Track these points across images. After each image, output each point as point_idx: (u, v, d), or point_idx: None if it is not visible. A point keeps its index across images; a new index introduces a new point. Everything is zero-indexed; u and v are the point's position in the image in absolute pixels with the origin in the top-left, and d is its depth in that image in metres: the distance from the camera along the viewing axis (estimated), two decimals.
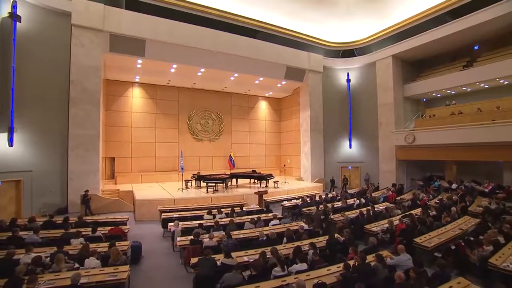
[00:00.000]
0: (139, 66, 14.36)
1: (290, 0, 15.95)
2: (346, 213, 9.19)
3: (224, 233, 6.75)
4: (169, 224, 7.98)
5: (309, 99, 17.92)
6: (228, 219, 8.29)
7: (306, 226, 7.72)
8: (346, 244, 6.21)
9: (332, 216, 9.07)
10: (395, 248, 5.86)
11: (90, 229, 7.04)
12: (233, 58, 15.00)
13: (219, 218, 8.53)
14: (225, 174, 15.10)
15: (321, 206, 9.80)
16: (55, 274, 4.51)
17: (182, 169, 14.49)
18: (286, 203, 11.45)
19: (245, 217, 9.02)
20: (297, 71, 17.44)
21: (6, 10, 9.75)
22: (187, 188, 13.92)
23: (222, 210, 9.42)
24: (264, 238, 6.57)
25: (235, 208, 9.77)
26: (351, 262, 4.96)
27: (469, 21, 13.14)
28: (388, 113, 16.89)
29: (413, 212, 9.18)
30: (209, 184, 13.11)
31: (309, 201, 11.32)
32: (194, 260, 5.28)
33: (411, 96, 17.33)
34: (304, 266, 5.00)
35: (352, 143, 18.79)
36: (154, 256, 6.98)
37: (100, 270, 4.75)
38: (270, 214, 9.29)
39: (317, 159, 17.96)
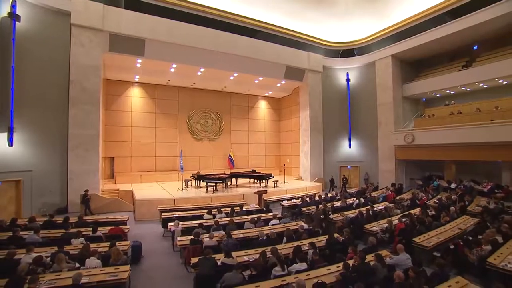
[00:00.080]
0: (138, 65, 14.36)
1: (289, 0, 15.94)
2: (346, 212, 9.22)
3: (224, 232, 6.78)
4: (169, 224, 8.00)
5: (309, 98, 17.94)
6: (228, 218, 8.32)
7: (306, 226, 7.75)
8: (345, 244, 6.24)
9: (331, 216, 9.10)
10: (394, 247, 5.88)
11: (90, 229, 7.05)
12: (233, 58, 15.00)
13: (219, 218, 8.55)
14: (224, 174, 15.12)
15: (320, 205, 9.83)
16: (56, 274, 4.53)
17: (182, 168, 14.50)
18: (285, 203, 11.48)
19: (245, 216, 9.05)
20: (297, 70, 17.45)
21: (5, 10, 9.73)
22: (187, 187, 13.94)
23: (222, 209, 9.44)
24: (264, 238, 6.60)
25: (235, 208, 9.78)
26: (351, 262, 4.99)
27: (469, 21, 13.17)
28: (387, 112, 16.93)
29: (412, 211, 9.21)
30: (209, 183, 13.13)
31: (308, 201, 11.36)
32: (194, 260, 5.30)
33: (410, 96, 17.36)
34: (304, 265, 5.02)
35: (352, 142, 18.82)
36: (154, 255, 7.01)
37: (101, 270, 4.76)
38: (270, 214, 9.32)
39: (316, 158, 18.00)
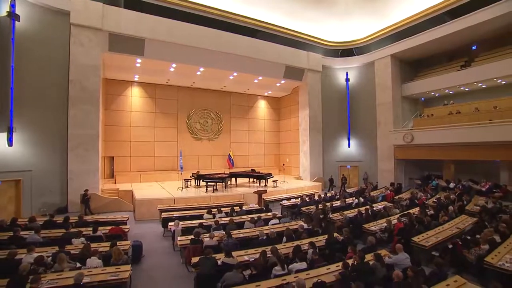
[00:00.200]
0: (138, 65, 14.36)
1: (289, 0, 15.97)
2: (345, 212, 9.27)
3: (224, 232, 6.81)
4: (169, 223, 8.02)
5: (308, 98, 17.97)
6: (228, 218, 8.35)
7: (305, 225, 7.79)
8: (345, 243, 6.29)
9: (331, 215, 9.14)
10: (393, 247, 5.93)
11: (90, 228, 7.07)
12: (232, 58, 15.01)
13: (219, 218, 8.58)
14: (224, 173, 15.15)
15: (320, 205, 9.87)
16: (58, 273, 4.56)
17: (182, 168, 14.51)
18: (285, 202, 11.52)
19: (245, 216, 9.08)
20: (296, 70, 17.48)
21: (4, 9, 9.70)
22: (187, 187, 13.96)
23: (221, 209, 9.47)
24: (264, 238, 6.63)
25: (234, 208, 9.81)
26: (350, 261, 5.03)
27: (467, 21, 13.21)
28: (386, 112, 16.98)
29: (411, 211, 9.27)
30: (209, 183, 13.16)
31: (308, 200, 11.40)
32: (195, 259, 5.33)
33: (409, 96, 17.42)
34: (303, 265, 5.06)
35: (351, 142, 18.88)
36: (154, 255, 7.04)
37: (102, 270, 4.79)
38: (270, 214, 9.35)
39: (316, 158, 18.04)
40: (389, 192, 13.02)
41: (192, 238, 6.31)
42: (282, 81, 18.15)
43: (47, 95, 10.85)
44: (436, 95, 17.12)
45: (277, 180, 15.15)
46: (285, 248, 6.06)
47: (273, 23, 17.26)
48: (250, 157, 20.52)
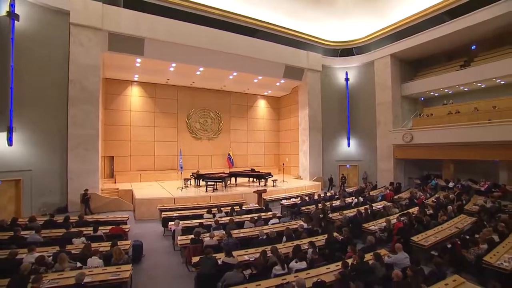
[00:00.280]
0: (138, 65, 14.37)
1: None
2: (345, 212, 9.30)
3: (224, 232, 6.83)
4: (170, 223, 8.05)
5: (308, 97, 17.99)
6: (228, 218, 8.36)
7: (305, 225, 7.81)
8: (344, 243, 6.32)
9: (330, 215, 9.17)
10: (392, 246, 5.96)
11: (91, 228, 7.09)
12: (232, 57, 15.01)
13: (219, 217, 8.60)
14: (224, 173, 15.17)
15: (319, 205, 9.90)
16: (59, 273, 4.57)
17: (181, 168, 14.53)
18: (285, 202, 11.55)
19: (245, 216, 9.10)
20: (296, 70, 17.49)
21: (4, 9, 9.68)
22: (186, 187, 13.97)
23: (221, 209, 9.49)
24: (264, 237, 6.65)
25: (234, 207, 9.83)
26: (350, 261, 5.05)
27: (467, 21, 13.24)
28: (386, 112, 17.01)
29: (410, 210, 9.30)
30: (208, 183, 13.18)
31: (307, 200, 11.44)
32: (195, 259, 5.35)
33: (409, 95, 17.44)
34: (303, 264, 5.09)
35: (351, 141, 18.91)
36: (155, 255, 7.06)
37: (103, 270, 4.81)
38: (270, 213, 9.37)
39: (315, 157, 18.07)
40: (388, 191, 13.06)
41: (192, 238, 6.33)
42: (282, 81, 18.16)
43: (47, 94, 10.84)
44: (436, 94, 17.15)
45: (276, 180, 15.15)
46: (285, 247, 6.08)
47: (272, 22, 17.26)
48: (249, 157, 20.54)
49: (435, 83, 15.81)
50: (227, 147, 19.34)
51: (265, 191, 12.11)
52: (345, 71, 19.15)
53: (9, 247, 5.47)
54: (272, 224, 8.15)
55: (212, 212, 9.22)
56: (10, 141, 9.60)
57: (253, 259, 5.46)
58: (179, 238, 6.73)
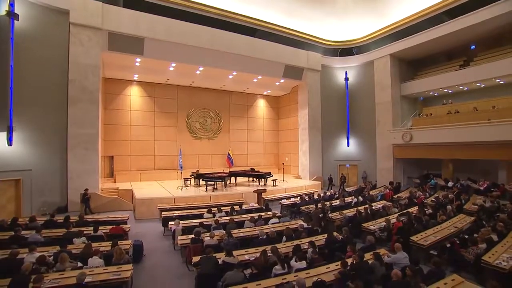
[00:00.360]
0: (137, 64, 14.37)
1: None
2: (344, 211, 9.33)
3: (224, 231, 6.86)
4: (170, 222, 8.06)
5: (307, 97, 18.01)
6: (228, 217, 8.38)
7: (305, 225, 7.84)
8: (344, 242, 6.34)
9: (330, 215, 9.20)
10: (392, 246, 5.99)
11: (91, 228, 7.10)
12: (232, 57, 15.01)
13: (219, 217, 8.62)
14: (224, 173, 15.19)
15: (319, 204, 9.92)
16: (60, 273, 4.59)
17: (181, 167, 14.53)
18: (284, 202, 11.57)
19: (245, 215, 9.13)
20: (296, 69, 17.50)
21: (3, 9, 9.65)
22: (186, 186, 13.98)
23: (221, 208, 9.51)
24: (264, 237, 6.68)
25: (234, 207, 9.85)
26: (349, 260, 5.08)
27: (466, 21, 13.26)
28: (385, 111, 17.04)
29: (409, 210, 9.33)
30: (208, 182, 13.19)
31: (307, 200, 11.46)
32: (195, 258, 5.36)
33: (408, 95, 17.47)
34: (303, 264, 5.11)
35: (350, 141, 18.94)
36: (155, 254, 7.08)
37: (103, 269, 4.83)
38: (270, 213, 9.39)
39: (315, 157, 18.10)
40: (388, 191, 13.10)
41: (192, 238, 6.36)
42: (282, 80, 18.17)
43: (47, 94, 10.84)
44: (435, 94, 17.19)
45: (276, 179, 15.18)
46: (285, 247, 6.11)
47: (272, 22, 17.25)
48: (249, 156, 20.56)
49: (435, 83, 15.84)
50: (227, 147, 19.34)
51: (265, 190, 12.13)
52: (345, 70, 19.17)
53: (10, 247, 5.48)
54: (272, 223, 8.17)
55: (212, 211, 9.24)
56: (10, 141, 9.61)
57: (253, 258, 5.48)
58: (179, 237, 6.75)
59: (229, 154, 18.88)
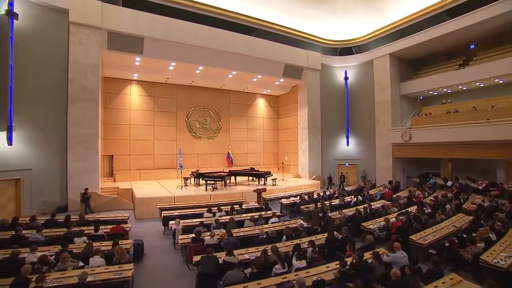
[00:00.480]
0: (137, 63, 14.36)
1: None
2: (344, 210, 9.36)
3: (224, 231, 6.89)
4: (170, 222, 8.09)
5: (307, 96, 18.02)
6: (228, 217, 8.41)
7: (305, 224, 7.88)
8: (344, 242, 6.38)
9: (330, 214, 9.24)
10: (391, 245, 6.03)
11: (92, 227, 7.11)
12: (231, 56, 15.01)
13: (219, 216, 8.65)
14: (223, 172, 15.21)
15: (319, 203, 9.96)
16: (61, 272, 4.62)
17: (181, 166, 14.55)
18: (284, 201, 11.61)
19: (244, 215, 9.16)
20: (295, 68, 17.50)
21: (3, 8, 9.63)
22: (186, 185, 14.00)
23: (221, 208, 9.54)
24: (264, 236, 6.71)
25: (234, 206, 9.88)
26: (349, 260, 5.12)
27: (466, 20, 13.28)
28: (385, 111, 17.07)
29: (409, 209, 9.38)
30: (208, 181, 13.22)
31: (307, 199, 11.50)
32: (196, 258, 5.39)
33: (408, 94, 17.51)
34: (303, 263, 5.15)
35: (350, 140, 18.98)
36: (156, 254, 7.10)
37: (105, 269, 4.85)
38: (269, 212, 9.43)
39: (314, 156, 18.14)
40: (387, 190, 13.16)
41: (193, 237, 6.39)
42: (281, 80, 18.18)
43: (46, 94, 10.83)
44: (434, 93, 17.22)
45: (276, 179, 15.23)
46: (285, 246, 6.14)
47: (272, 21, 17.23)
48: (249, 155, 20.59)
49: (434, 82, 15.87)
50: (227, 146, 19.38)
51: (264, 190, 12.16)
52: (344, 70, 19.18)
53: (11, 247, 5.50)
54: (272, 223, 8.20)
55: (212, 211, 9.26)
56: (10, 140, 9.60)
57: (254, 258, 5.52)
58: (180, 237, 6.77)
59: (228, 153, 18.94)
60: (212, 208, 9.51)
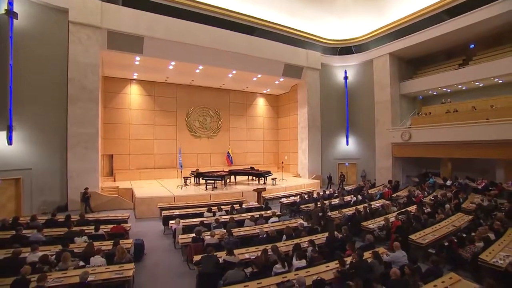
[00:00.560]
0: (137, 63, 14.35)
1: None
2: (343, 210, 9.39)
3: (225, 230, 6.90)
4: (170, 221, 8.11)
5: (307, 96, 18.04)
6: (228, 216, 8.43)
7: (305, 224, 7.90)
8: (344, 241, 6.41)
9: (329, 213, 9.26)
10: (391, 245, 6.06)
11: (92, 227, 7.12)
12: (231, 55, 15.01)
13: (219, 216, 8.67)
14: (223, 171, 15.23)
15: (318, 203, 9.98)
16: (62, 272, 4.63)
17: (181, 166, 14.56)
18: (284, 200, 11.63)
19: (245, 214, 9.18)
20: (295, 68, 17.51)
21: (2, 7, 9.61)
22: (186, 185, 14.01)
23: (221, 207, 9.56)
24: (264, 236, 6.73)
25: (234, 205, 9.90)
26: (348, 259, 5.14)
27: (465, 20, 13.29)
28: (384, 110, 17.09)
29: (408, 209, 9.40)
30: (208, 181, 13.23)
31: (307, 198, 11.52)
32: (196, 257, 5.41)
33: (407, 94, 17.52)
34: (303, 263, 5.17)
35: (349, 140, 19.00)
36: (156, 253, 7.12)
37: (106, 268, 4.87)
38: (269, 212, 9.45)
39: (314, 155, 18.16)
40: (387, 189, 13.17)
41: (193, 236, 6.41)
42: (281, 79, 18.19)
43: (46, 93, 10.82)
44: (434, 93, 17.23)
45: (276, 178, 15.24)
46: (285, 246, 6.16)
47: (272, 21, 17.21)
48: (248, 155, 20.61)
49: (434, 82, 15.88)
50: (226, 145, 19.40)
51: (264, 189, 12.18)
52: (344, 69, 19.19)
53: (12, 246, 5.51)
54: (272, 222, 8.23)
55: (212, 210, 9.28)
56: (10, 140, 9.60)
57: (254, 257, 5.54)
58: (180, 236, 6.79)
59: (228, 152, 18.97)
60: (212, 208, 9.52)
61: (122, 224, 7.71)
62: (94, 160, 11.61)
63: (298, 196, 12.04)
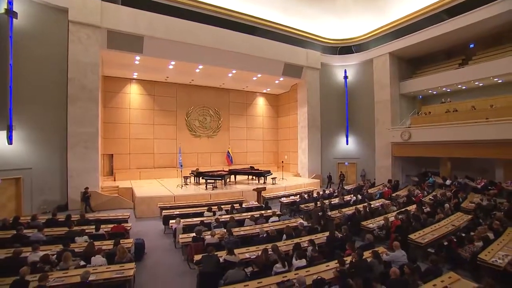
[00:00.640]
0: (137, 62, 14.33)
1: None
2: (343, 209, 9.41)
3: (225, 230, 6.92)
4: (171, 221, 8.12)
5: (307, 95, 18.04)
6: (228, 216, 8.45)
7: (305, 223, 7.92)
8: (343, 241, 6.43)
9: (329, 213, 9.28)
10: (390, 244, 6.08)
11: (93, 226, 7.14)
12: (231, 55, 15.00)
13: (219, 215, 8.68)
14: (223, 171, 15.24)
15: (318, 202, 10.00)
16: (64, 271, 4.65)
17: (181, 165, 14.57)
18: (284, 200, 11.65)
19: (245, 214, 9.20)
20: (295, 67, 17.51)
21: (2, 7, 9.59)
22: (186, 184, 14.03)
23: (222, 207, 9.58)
24: (264, 235, 6.75)
25: (234, 205, 9.92)
26: (348, 258, 5.17)
27: (465, 19, 13.29)
28: (384, 110, 17.10)
29: (408, 208, 9.43)
30: (208, 180, 13.25)
31: (307, 198, 11.54)
32: (197, 257, 5.43)
33: (407, 93, 17.53)
34: (303, 262, 5.19)
35: (349, 139, 19.02)
36: (156, 253, 7.15)
37: (106, 268, 4.89)
38: (269, 211, 9.47)
39: (314, 155, 18.18)
40: (386, 189, 13.20)
41: (193, 236, 6.43)
42: (281, 79, 18.19)
43: (46, 93, 10.81)
44: (434, 93, 17.24)
45: (276, 177, 15.27)
46: (285, 245, 6.18)
47: (271, 20, 17.20)
48: (248, 154, 20.63)
49: (434, 82, 15.89)
50: (226, 145, 19.41)
51: (264, 189, 12.20)
52: (344, 69, 19.19)
53: (12, 246, 5.52)
54: (272, 222, 8.25)
55: (213, 210, 9.30)
56: (10, 140, 9.60)
57: (254, 257, 5.56)
58: (180, 236, 6.81)
59: (228, 152, 18.98)
60: (212, 207, 9.54)
61: (122, 224, 7.74)
62: (94, 160, 11.62)
63: (298, 196, 12.06)
